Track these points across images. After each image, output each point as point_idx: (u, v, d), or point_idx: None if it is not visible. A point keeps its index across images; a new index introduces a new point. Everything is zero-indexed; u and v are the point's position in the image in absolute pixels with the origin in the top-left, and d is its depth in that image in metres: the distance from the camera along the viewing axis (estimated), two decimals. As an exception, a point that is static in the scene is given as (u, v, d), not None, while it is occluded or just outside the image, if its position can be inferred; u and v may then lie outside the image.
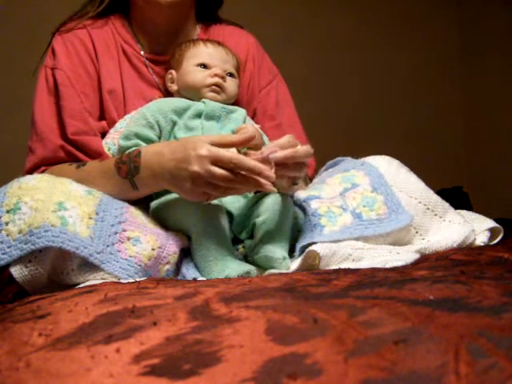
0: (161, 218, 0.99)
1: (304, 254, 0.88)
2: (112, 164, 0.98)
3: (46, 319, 0.56)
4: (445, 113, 3.09)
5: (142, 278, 0.83)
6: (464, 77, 3.13)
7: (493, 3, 2.89)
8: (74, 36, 1.16)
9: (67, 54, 1.14)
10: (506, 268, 0.70)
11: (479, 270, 0.68)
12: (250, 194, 1.01)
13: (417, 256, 0.89)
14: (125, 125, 1.11)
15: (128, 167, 0.96)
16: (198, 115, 1.05)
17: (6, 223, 0.81)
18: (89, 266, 0.83)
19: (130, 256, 0.86)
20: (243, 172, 0.86)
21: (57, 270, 0.82)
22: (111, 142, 1.12)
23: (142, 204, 1.01)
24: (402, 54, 3.00)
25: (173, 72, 1.13)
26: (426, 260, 0.87)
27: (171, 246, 0.92)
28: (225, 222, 0.94)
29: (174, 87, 1.13)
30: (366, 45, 2.94)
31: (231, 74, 1.12)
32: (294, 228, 0.99)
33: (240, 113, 1.10)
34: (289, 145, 0.91)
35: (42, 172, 1.07)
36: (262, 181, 0.85)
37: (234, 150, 0.93)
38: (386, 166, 1.06)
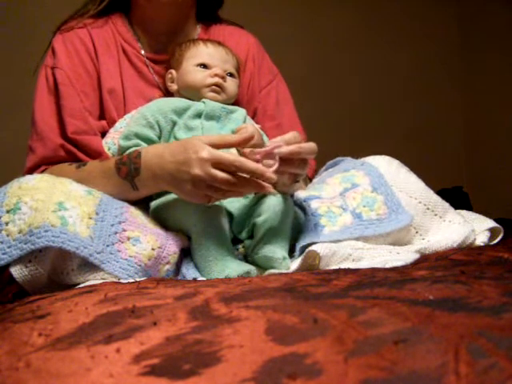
0: (161, 218, 0.99)
1: (304, 254, 0.88)
2: (112, 164, 0.98)
3: (45, 319, 0.56)
4: (445, 112, 3.10)
5: (142, 278, 0.83)
6: (464, 75, 3.13)
7: (492, 1, 2.89)
8: (74, 35, 1.16)
9: (67, 54, 1.14)
10: (506, 268, 0.70)
11: (479, 270, 0.68)
12: (251, 195, 1.01)
13: (417, 256, 0.89)
14: (125, 124, 1.11)
15: (128, 168, 0.96)
16: (198, 115, 1.05)
17: (6, 223, 0.81)
18: (89, 266, 0.83)
19: (130, 256, 0.86)
20: (244, 174, 0.86)
21: (57, 269, 0.82)
22: (111, 142, 1.12)
23: (142, 204, 1.01)
24: (402, 52, 3.00)
25: (173, 72, 1.13)
26: (426, 260, 0.87)
27: (171, 246, 0.92)
28: (225, 221, 0.94)
29: (173, 87, 1.13)
30: (365, 44, 2.94)
31: (231, 74, 1.12)
32: (294, 228, 0.99)
33: (240, 113, 1.10)
34: (294, 140, 0.91)
35: (42, 171, 1.07)
36: (264, 184, 0.86)
37: (234, 150, 0.93)
38: (386, 165, 1.06)
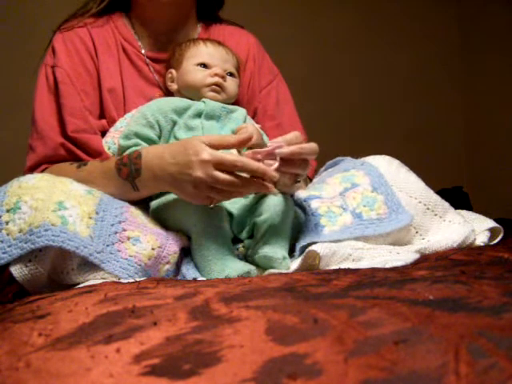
0: (161, 218, 0.99)
1: (304, 253, 0.88)
2: (113, 165, 0.98)
3: (45, 319, 0.56)
4: (445, 113, 3.10)
5: (142, 278, 0.83)
6: (464, 76, 3.13)
7: (493, 2, 2.89)
8: (74, 34, 1.16)
9: (67, 53, 1.14)
10: (506, 268, 0.70)
11: (479, 270, 0.68)
12: (251, 195, 1.01)
13: (417, 256, 0.89)
14: (125, 124, 1.11)
15: (129, 169, 0.96)
16: (198, 115, 1.05)
17: (6, 222, 0.81)
18: (89, 265, 0.83)
19: (130, 256, 0.86)
20: (244, 174, 0.86)
21: (57, 269, 0.82)
22: (111, 141, 1.12)
23: (142, 204, 1.01)
24: (402, 53, 3.00)
25: (173, 71, 1.13)
26: (426, 260, 0.87)
27: (171, 246, 0.92)
28: (225, 221, 0.94)
29: (174, 86, 1.13)
30: (366, 44, 2.94)
31: (231, 74, 1.12)
32: (295, 228, 0.99)
33: (240, 112, 1.10)
34: (296, 140, 0.91)
35: (43, 170, 1.07)
36: (266, 183, 0.86)
37: (234, 150, 0.93)
38: (386, 165, 1.06)
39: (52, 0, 2.19)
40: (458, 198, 2.21)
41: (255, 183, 0.86)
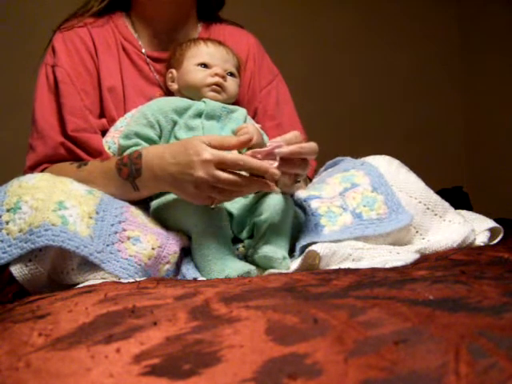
0: (161, 218, 0.99)
1: (304, 253, 0.88)
2: (113, 165, 0.98)
3: (45, 319, 0.56)
4: (445, 113, 3.10)
5: (142, 278, 0.83)
6: (464, 76, 3.13)
7: (493, 1, 2.89)
8: (74, 34, 1.16)
9: (67, 52, 1.14)
10: (506, 268, 0.70)
11: (479, 270, 0.68)
12: (251, 194, 1.01)
13: (417, 256, 0.89)
14: (125, 123, 1.11)
15: (129, 169, 0.96)
16: (199, 115, 1.05)
17: (7, 222, 0.81)
18: (89, 265, 0.83)
19: (130, 255, 0.86)
20: (243, 173, 0.86)
21: (57, 269, 0.82)
22: (111, 141, 1.12)
23: (142, 204, 1.01)
24: (402, 53, 3.00)
25: (173, 71, 1.13)
26: (426, 260, 0.87)
27: (171, 246, 0.92)
28: (225, 221, 0.94)
29: (174, 86, 1.13)
30: (366, 44, 2.94)
31: (232, 74, 1.12)
32: (295, 228, 0.99)
33: (241, 112, 1.10)
34: (295, 140, 0.91)
35: (43, 170, 1.07)
36: (268, 182, 0.86)
37: (234, 150, 0.93)
38: (386, 165, 1.06)
39: (52, 0, 2.19)
40: (457, 198, 2.21)
41: (257, 182, 0.86)
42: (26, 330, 0.54)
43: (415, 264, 0.84)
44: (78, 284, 0.81)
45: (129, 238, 0.88)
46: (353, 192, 1.00)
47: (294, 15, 2.82)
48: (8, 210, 0.81)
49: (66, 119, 1.09)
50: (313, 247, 0.88)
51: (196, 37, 1.23)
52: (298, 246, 0.96)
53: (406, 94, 3.02)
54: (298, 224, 1.00)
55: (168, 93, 1.16)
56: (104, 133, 1.14)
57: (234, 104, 1.12)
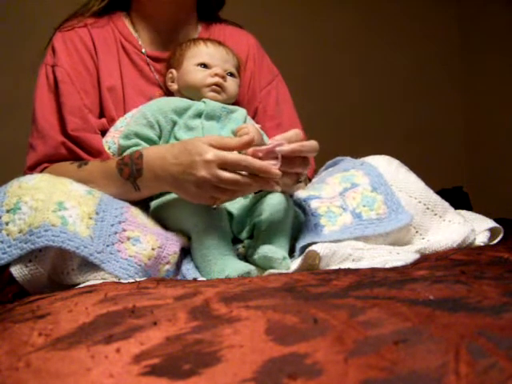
0: (161, 218, 0.99)
1: (304, 254, 0.88)
2: (114, 165, 0.98)
3: (45, 319, 0.56)
4: (445, 113, 3.10)
5: (142, 278, 0.83)
6: (464, 76, 3.13)
7: (493, 2, 2.89)
8: (74, 34, 1.16)
9: (67, 52, 1.14)
10: (506, 268, 0.70)
11: (479, 270, 0.68)
12: (251, 194, 1.01)
13: (417, 256, 0.89)
14: (125, 123, 1.11)
15: (130, 169, 0.96)
16: (199, 115, 1.05)
17: (6, 223, 0.81)
18: (89, 265, 0.83)
19: (130, 256, 0.86)
20: (244, 172, 0.86)
21: (57, 269, 0.82)
22: (111, 141, 1.12)
23: (142, 204, 1.01)
24: (402, 53, 3.00)
25: (173, 71, 1.13)
26: (426, 260, 0.87)
27: (171, 246, 0.92)
28: (225, 221, 0.94)
29: (174, 86, 1.13)
30: (366, 44, 2.94)
31: (232, 74, 1.12)
32: (294, 228, 0.99)
33: (240, 112, 1.10)
34: (296, 138, 0.91)
35: (43, 169, 1.07)
36: (269, 180, 0.86)
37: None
38: (386, 165, 1.06)
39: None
40: (458, 198, 2.21)
41: (259, 180, 0.87)
42: (26, 330, 0.54)
43: (415, 264, 0.84)
44: (78, 284, 0.81)
45: (129, 239, 0.88)
46: (352, 192, 1.00)
47: (294, 15, 2.82)
48: (8, 211, 0.81)
49: (66, 119, 1.09)
50: (313, 247, 0.87)
51: (196, 37, 1.23)
52: (298, 246, 0.96)
53: (406, 94, 3.02)
54: (298, 224, 1.00)
55: (168, 93, 1.16)
56: (104, 133, 1.14)
57: (233, 104, 1.12)
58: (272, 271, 0.90)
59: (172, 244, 0.92)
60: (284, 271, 0.89)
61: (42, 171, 1.07)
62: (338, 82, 2.86)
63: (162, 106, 1.06)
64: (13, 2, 2.31)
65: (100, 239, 0.84)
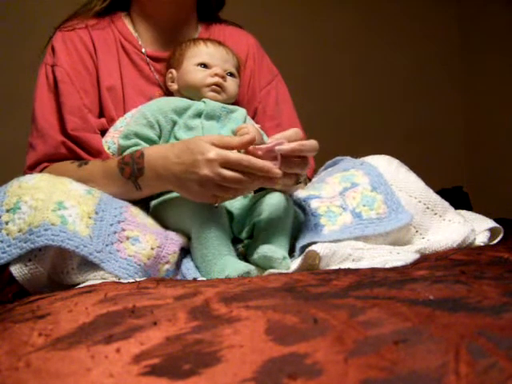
0: (161, 218, 0.99)
1: (304, 254, 0.88)
2: (115, 164, 0.98)
3: (45, 319, 0.56)
4: (445, 113, 3.09)
5: (142, 278, 0.83)
6: (464, 76, 3.13)
7: (493, 2, 2.89)
8: (74, 33, 1.16)
9: (67, 52, 1.14)
10: (506, 268, 0.70)
11: (479, 270, 0.68)
12: (250, 194, 1.01)
13: (417, 256, 0.89)
14: (125, 123, 1.11)
15: (131, 168, 0.96)
16: (199, 115, 1.05)
17: (6, 222, 0.81)
18: (88, 265, 0.83)
19: (129, 255, 0.86)
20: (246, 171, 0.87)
21: (57, 269, 0.82)
22: (111, 141, 1.12)
23: (141, 203, 1.01)
24: (402, 53, 3.00)
25: (173, 71, 1.13)
26: (426, 260, 0.87)
27: (171, 246, 0.92)
28: (225, 221, 0.94)
29: (174, 86, 1.13)
30: (365, 45, 2.94)
31: (231, 74, 1.12)
32: (294, 227, 0.99)
33: (240, 112, 1.10)
34: (296, 137, 0.91)
35: (43, 169, 1.08)
36: (270, 176, 0.86)
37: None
38: (386, 165, 1.06)
39: None
40: (458, 198, 2.20)
41: (260, 178, 0.87)
42: (26, 330, 0.54)
43: (415, 264, 0.84)
44: (78, 284, 0.82)
45: (128, 238, 0.88)
46: (352, 192, 1.00)
47: (294, 15, 2.82)
48: (8, 211, 0.82)
49: (65, 118, 1.09)
50: (313, 247, 0.87)
51: (196, 37, 1.23)
52: (298, 245, 0.96)
53: (406, 94, 3.02)
54: (298, 224, 1.00)
55: (168, 93, 1.16)
56: (103, 132, 1.14)
57: (233, 104, 1.12)
58: (272, 271, 0.90)
59: (171, 244, 0.92)
60: (284, 271, 0.89)
61: (41, 171, 1.07)
62: (337, 82, 2.86)
63: (161, 105, 1.06)
64: (13, 1, 2.30)
65: (99, 239, 0.84)
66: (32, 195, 0.82)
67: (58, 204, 0.82)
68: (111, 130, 1.13)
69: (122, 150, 1.05)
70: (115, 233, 0.87)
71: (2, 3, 2.28)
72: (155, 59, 1.20)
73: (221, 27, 1.30)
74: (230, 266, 0.89)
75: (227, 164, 0.86)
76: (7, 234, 0.80)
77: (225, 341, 0.45)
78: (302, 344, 0.42)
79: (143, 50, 1.20)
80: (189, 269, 0.93)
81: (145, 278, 0.82)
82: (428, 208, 1.00)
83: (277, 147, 0.87)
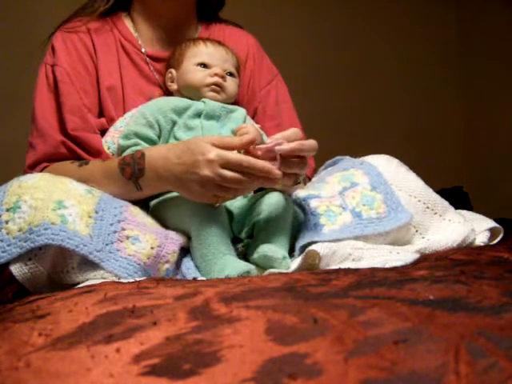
0: (160, 217, 0.99)
1: (304, 253, 0.88)
2: (115, 165, 0.98)
3: (45, 319, 0.56)
4: (445, 113, 3.10)
5: (142, 277, 0.83)
6: (464, 76, 3.13)
7: (492, 3, 2.89)
8: (74, 33, 1.16)
9: (66, 51, 1.14)
10: (505, 268, 0.70)
11: (479, 270, 0.68)
12: (250, 194, 1.01)
13: (417, 256, 0.89)
14: (125, 123, 1.11)
15: (132, 169, 0.96)
16: (198, 115, 1.05)
17: (6, 222, 0.81)
18: (88, 264, 0.83)
19: (129, 255, 0.86)
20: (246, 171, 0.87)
21: (57, 268, 0.82)
22: (111, 141, 1.12)
23: (141, 203, 1.01)
24: (402, 53, 3.00)
25: (173, 71, 1.13)
26: (426, 260, 0.87)
27: (170, 245, 0.92)
28: (225, 221, 0.94)
29: (173, 86, 1.13)
30: (365, 46, 2.95)
31: (231, 74, 1.12)
32: (294, 227, 0.99)
33: (240, 112, 1.10)
34: (295, 137, 0.91)
35: (43, 168, 1.08)
36: (270, 176, 0.86)
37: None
38: (386, 164, 1.06)
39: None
40: (458, 198, 2.20)
41: (260, 178, 0.87)
42: (26, 330, 0.54)
43: (415, 264, 0.84)
44: (78, 283, 0.82)
45: (128, 238, 0.88)
46: (352, 191, 1.00)
47: (294, 15, 2.82)
48: (8, 210, 0.82)
49: (65, 118, 1.09)
50: (313, 247, 0.87)
51: (196, 37, 1.23)
52: (298, 245, 0.96)
53: (406, 94, 3.02)
54: (298, 223, 1.00)
55: (167, 92, 1.16)
56: (103, 132, 1.14)
57: (233, 104, 1.12)
58: (272, 271, 0.90)
59: (171, 243, 0.92)
60: (284, 271, 0.89)
61: (41, 170, 1.07)
62: (337, 81, 2.86)
63: (161, 105, 1.06)
64: (13, 1, 2.30)
65: (99, 238, 0.84)
66: (32, 194, 0.82)
67: (58, 203, 0.82)
68: (111, 129, 1.13)
69: (121, 149, 1.05)
70: (115, 232, 0.87)
71: (2, 3, 2.28)
72: (155, 59, 1.20)
73: (221, 27, 1.30)
74: (229, 265, 0.89)
75: (227, 165, 0.86)
76: (7, 233, 0.80)
77: (225, 341, 0.45)
78: (302, 344, 0.42)
79: (143, 50, 1.20)
80: (189, 268, 0.93)
81: (145, 278, 0.82)
82: (428, 207, 1.00)
83: (276, 147, 0.87)
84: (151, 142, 1.04)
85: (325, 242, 0.90)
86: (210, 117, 1.06)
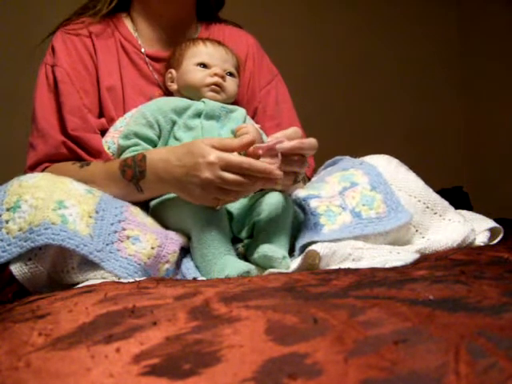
0: (161, 218, 0.99)
1: (304, 253, 0.88)
2: (116, 166, 0.98)
3: (45, 319, 0.56)
4: (445, 113, 3.10)
5: (142, 277, 0.83)
6: (464, 76, 3.13)
7: (493, 3, 2.89)
8: (74, 33, 1.16)
9: (66, 52, 1.14)
10: (505, 268, 0.70)
11: (479, 270, 0.68)
12: (250, 193, 1.01)
13: (417, 256, 0.89)
14: (125, 123, 1.11)
15: (133, 171, 0.96)
16: (198, 115, 1.05)
17: (6, 221, 0.81)
18: (89, 264, 0.83)
19: (130, 255, 0.86)
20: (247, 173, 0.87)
21: (57, 268, 0.82)
22: (111, 141, 1.12)
23: (142, 203, 1.01)
24: (402, 53, 3.00)
25: (173, 71, 1.13)
26: (426, 260, 0.87)
27: (171, 245, 0.92)
28: (225, 221, 0.94)
29: (173, 86, 1.13)
30: (365, 46, 2.95)
31: (231, 74, 1.12)
32: (294, 227, 0.99)
33: (240, 112, 1.10)
34: (295, 136, 0.91)
35: (44, 169, 1.08)
36: (271, 177, 0.86)
37: None
38: (385, 164, 1.06)
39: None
40: (458, 198, 2.20)
41: (261, 179, 0.87)
42: (26, 330, 0.54)
43: (415, 264, 0.84)
44: (78, 283, 0.82)
45: (128, 238, 0.88)
46: (352, 191, 1.00)
47: (294, 15, 2.82)
48: (8, 209, 0.82)
49: (65, 118, 1.09)
50: (313, 247, 0.87)
51: (196, 37, 1.23)
52: (298, 245, 0.96)
53: (406, 94, 3.02)
54: (298, 223, 1.00)
55: (167, 93, 1.16)
56: (103, 132, 1.14)
57: (233, 104, 1.12)
58: (272, 270, 0.90)
59: (171, 243, 0.92)
60: (284, 271, 0.89)
61: (42, 171, 1.07)
62: (337, 81, 2.86)
63: (161, 105, 1.06)
64: (13, 1, 2.30)
65: (100, 238, 0.84)
66: (32, 194, 0.82)
67: (59, 203, 0.82)
68: (111, 129, 1.13)
69: (121, 149, 1.05)
70: (115, 232, 0.87)
71: (2, 3, 2.28)
72: (155, 59, 1.20)
73: (220, 27, 1.30)
74: (229, 265, 0.89)
75: (228, 167, 0.86)
76: (7, 233, 0.80)
77: (225, 341, 0.45)
78: (302, 344, 0.42)
79: (143, 50, 1.20)
80: (189, 268, 0.93)
81: (145, 278, 0.82)
82: (428, 207, 1.00)
83: (277, 145, 0.87)
84: (151, 142, 1.04)
85: (325, 241, 0.90)
86: (210, 117, 1.06)
